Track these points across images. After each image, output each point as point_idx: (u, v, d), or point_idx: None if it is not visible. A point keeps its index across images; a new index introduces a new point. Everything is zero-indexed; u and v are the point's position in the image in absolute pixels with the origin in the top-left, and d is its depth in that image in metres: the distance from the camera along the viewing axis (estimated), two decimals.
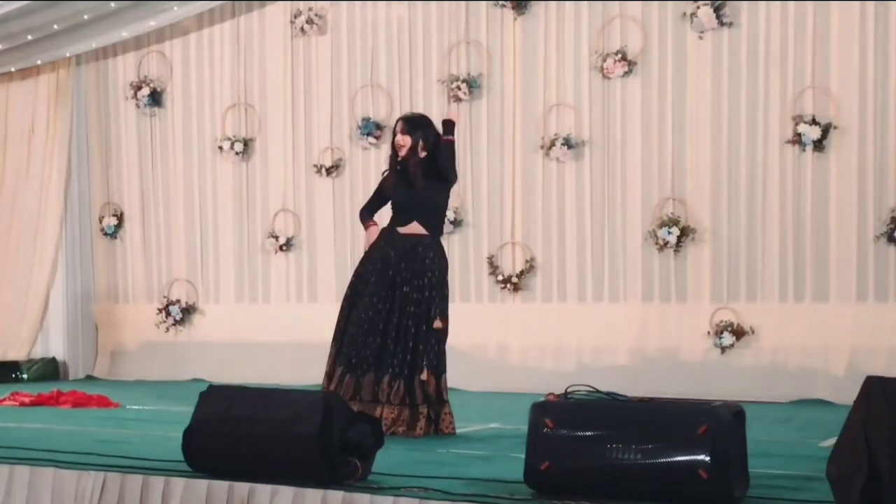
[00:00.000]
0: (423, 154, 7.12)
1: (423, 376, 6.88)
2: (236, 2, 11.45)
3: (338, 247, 11.15)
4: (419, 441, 6.66)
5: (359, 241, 10.91)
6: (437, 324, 6.97)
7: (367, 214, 7.40)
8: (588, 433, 4.53)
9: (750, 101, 9.59)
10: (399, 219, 7.16)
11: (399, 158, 7.16)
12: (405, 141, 7.13)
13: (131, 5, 11.29)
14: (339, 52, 11.17)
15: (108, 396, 9.26)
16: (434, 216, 7.20)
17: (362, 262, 7.24)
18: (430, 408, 6.90)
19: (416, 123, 7.21)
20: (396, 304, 6.97)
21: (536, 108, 10.34)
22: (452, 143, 7.14)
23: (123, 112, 12.14)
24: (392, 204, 7.25)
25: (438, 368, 6.96)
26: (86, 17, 11.42)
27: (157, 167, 12.00)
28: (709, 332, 9.59)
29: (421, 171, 7.07)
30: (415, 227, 7.11)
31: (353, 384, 6.92)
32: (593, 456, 4.47)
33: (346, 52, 11.14)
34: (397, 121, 7.30)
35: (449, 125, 7.19)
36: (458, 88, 10.49)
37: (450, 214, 10.48)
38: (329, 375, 7.09)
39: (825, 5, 9.35)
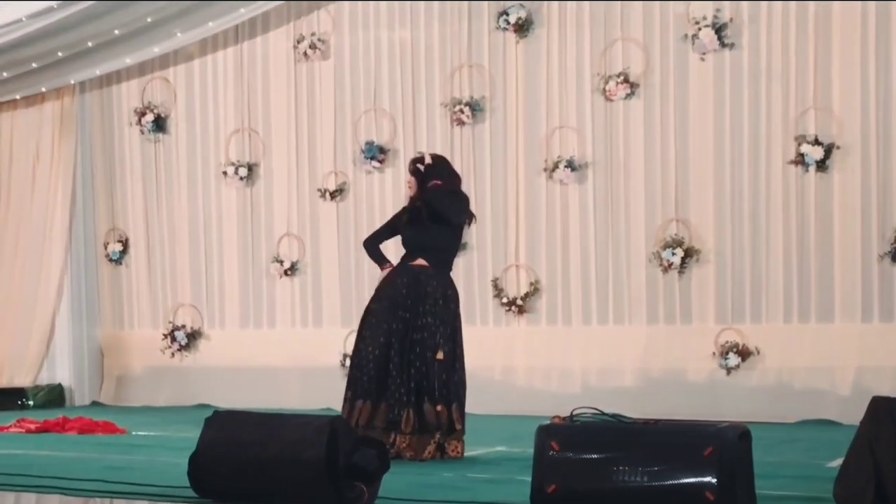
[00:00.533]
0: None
1: (430, 405, 6.89)
2: (239, 27, 11.47)
3: (342, 271, 11.16)
4: (425, 465, 6.65)
5: (363, 265, 10.94)
6: (439, 355, 6.97)
7: (374, 243, 7.48)
8: (594, 456, 4.53)
9: (752, 122, 9.60)
10: (407, 256, 7.24)
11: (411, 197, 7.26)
12: (412, 182, 7.23)
13: (135, 32, 11.32)
14: (342, 77, 11.20)
15: (114, 423, 9.26)
16: (439, 256, 7.22)
17: (374, 296, 7.26)
18: (442, 436, 6.91)
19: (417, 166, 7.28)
20: (401, 332, 6.98)
21: (539, 130, 10.36)
22: (437, 187, 7.15)
23: (128, 138, 12.16)
24: (402, 240, 7.32)
25: (447, 398, 6.95)
26: (90, 44, 11.46)
27: (161, 193, 12.02)
28: (714, 353, 9.59)
29: (426, 213, 7.11)
30: (421, 262, 7.15)
31: (368, 411, 6.93)
32: (599, 478, 4.47)
33: (350, 77, 11.16)
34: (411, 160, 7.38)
35: (430, 169, 7.19)
36: (461, 112, 10.51)
37: None
38: (346, 401, 7.08)
39: (827, 26, 9.37)
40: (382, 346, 6.97)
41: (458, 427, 6.98)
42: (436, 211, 7.10)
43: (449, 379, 6.98)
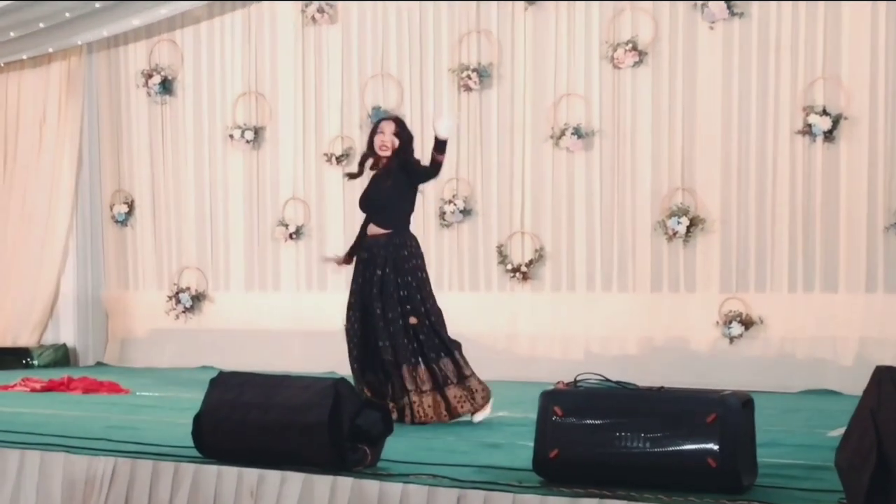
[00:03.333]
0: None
1: (406, 371, 6.93)
2: None
3: (347, 235, 11.13)
4: (428, 428, 6.68)
5: None
6: (412, 319, 7.01)
7: None
8: (597, 421, 4.54)
9: (760, 92, 9.57)
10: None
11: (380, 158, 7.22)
12: (392, 142, 7.17)
13: None
14: (349, 41, 11.18)
15: (118, 383, 9.30)
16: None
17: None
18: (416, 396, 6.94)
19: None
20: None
21: (546, 97, 10.33)
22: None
23: (134, 100, 12.16)
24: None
25: (424, 359, 6.99)
26: (97, 5, 11.44)
27: (167, 155, 12.02)
28: (717, 322, 9.60)
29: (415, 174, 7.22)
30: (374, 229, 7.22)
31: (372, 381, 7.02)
32: (602, 444, 4.48)
33: (357, 41, 11.14)
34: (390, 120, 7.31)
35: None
36: (469, 78, 10.49)
37: (459, 204, 10.51)
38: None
39: None
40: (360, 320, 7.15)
41: (424, 388, 6.99)
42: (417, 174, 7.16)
43: (423, 341, 7.04)
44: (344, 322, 7.29)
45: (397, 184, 7.19)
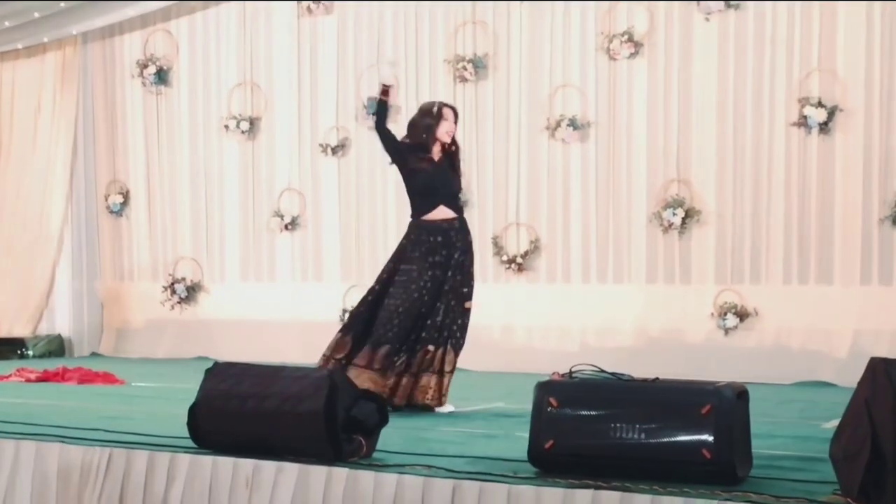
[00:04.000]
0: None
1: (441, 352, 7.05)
2: None
3: (343, 226, 11.17)
4: (423, 419, 6.68)
5: (363, 221, 10.96)
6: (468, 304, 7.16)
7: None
8: (592, 412, 4.54)
9: (756, 83, 9.58)
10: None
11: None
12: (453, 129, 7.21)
13: None
14: (345, 32, 11.17)
15: (113, 373, 9.30)
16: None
17: None
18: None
19: None
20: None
21: (542, 89, 10.33)
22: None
23: (130, 90, 12.15)
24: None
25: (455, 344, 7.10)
26: None
27: (163, 145, 12.01)
28: (713, 314, 9.61)
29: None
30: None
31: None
32: (597, 435, 4.49)
33: (353, 32, 11.13)
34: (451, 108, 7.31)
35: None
36: (464, 69, 10.48)
37: None
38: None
39: None
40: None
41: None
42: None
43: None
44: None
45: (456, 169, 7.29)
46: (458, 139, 7.31)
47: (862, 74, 9.23)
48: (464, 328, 7.15)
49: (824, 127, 9.27)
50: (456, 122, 7.22)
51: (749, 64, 9.59)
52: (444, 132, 7.17)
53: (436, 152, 7.22)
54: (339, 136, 11.14)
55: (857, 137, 9.24)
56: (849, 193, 9.25)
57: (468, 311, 7.17)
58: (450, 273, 7.12)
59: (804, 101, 9.33)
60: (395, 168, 10.84)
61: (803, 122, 9.33)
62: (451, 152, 7.25)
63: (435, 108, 7.23)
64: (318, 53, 11.29)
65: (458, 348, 7.11)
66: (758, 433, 4.79)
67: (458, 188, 7.37)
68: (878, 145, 9.19)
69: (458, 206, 7.32)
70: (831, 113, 9.25)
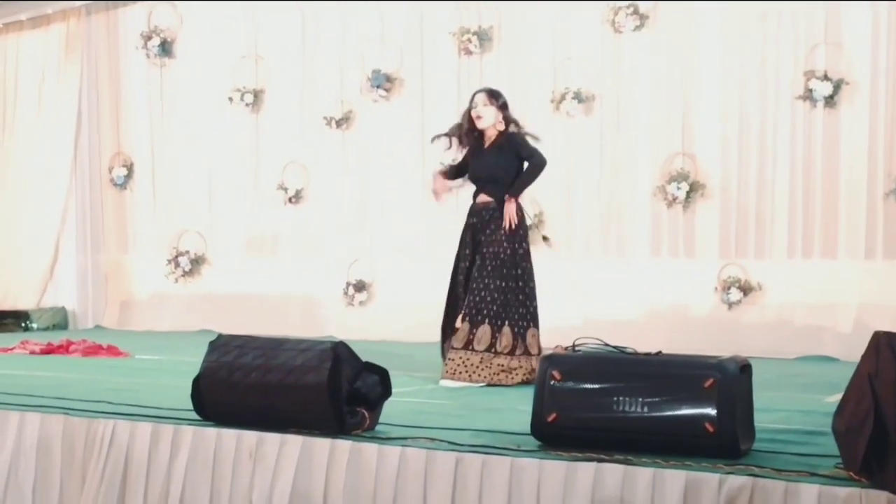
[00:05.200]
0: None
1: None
2: None
3: (347, 199, 11.16)
4: (427, 392, 6.69)
5: (368, 194, 10.95)
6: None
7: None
8: (595, 386, 4.54)
9: (761, 57, 9.55)
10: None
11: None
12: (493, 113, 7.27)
13: None
14: (349, 4, 11.13)
15: (117, 346, 9.31)
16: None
17: None
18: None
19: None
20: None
21: (546, 62, 10.30)
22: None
23: (134, 62, 12.13)
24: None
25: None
26: None
27: (167, 118, 12.00)
28: (716, 288, 9.61)
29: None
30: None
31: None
32: (600, 408, 4.49)
33: (357, 4, 11.09)
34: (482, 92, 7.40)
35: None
36: (469, 41, 10.46)
37: None
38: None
39: None
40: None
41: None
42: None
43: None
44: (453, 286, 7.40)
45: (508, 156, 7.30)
46: (472, 114, 7.27)
47: (868, 48, 9.20)
48: (508, 306, 7.14)
49: (830, 100, 9.25)
50: (488, 102, 7.24)
51: (754, 37, 9.56)
52: (471, 118, 7.28)
53: (488, 136, 7.32)
54: (343, 109, 11.12)
55: (862, 111, 9.22)
56: (854, 167, 9.24)
57: (513, 290, 7.17)
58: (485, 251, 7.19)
59: (810, 75, 9.30)
60: (400, 142, 10.92)
61: (808, 95, 9.31)
62: (500, 136, 7.29)
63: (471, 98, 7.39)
64: (323, 26, 11.26)
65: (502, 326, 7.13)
66: (761, 407, 4.78)
67: (496, 171, 7.29)
68: (883, 119, 9.17)
69: (492, 191, 7.29)
70: (837, 86, 9.22)
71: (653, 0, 9.86)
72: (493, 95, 7.30)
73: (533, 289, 7.22)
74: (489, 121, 7.25)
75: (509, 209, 7.17)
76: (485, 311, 7.07)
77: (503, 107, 7.29)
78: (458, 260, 7.37)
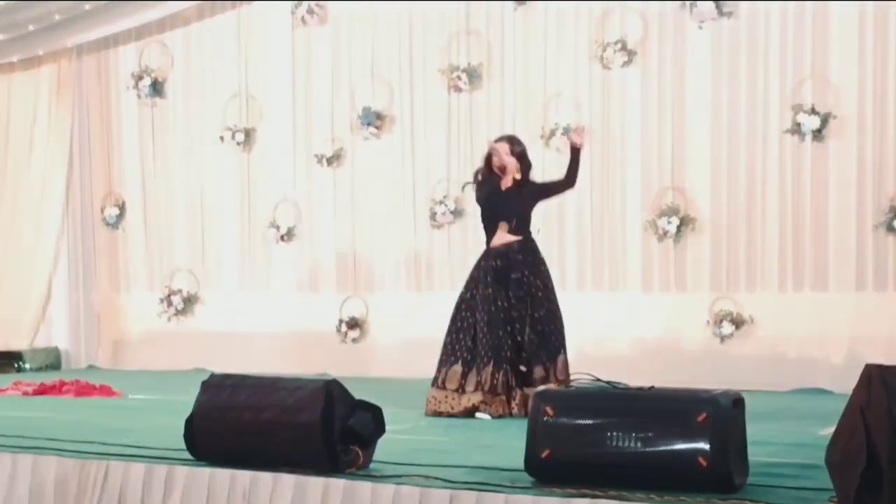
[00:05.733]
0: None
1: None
2: None
3: (338, 236, 11.17)
4: (419, 429, 6.69)
5: (359, 232, 10.97)
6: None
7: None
8: (588, 421, 4.55)
9: (749, 91, 9.59)
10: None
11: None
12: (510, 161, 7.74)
13: None
14: (339, 43, 11.18)
15: (110, 386, 9.30)
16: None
17: None
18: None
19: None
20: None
21: (536, 97, 10.34)
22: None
23: (125, 102, 12.15)
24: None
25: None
26: (87, 7, 11.45)
27: (158, 157, 12.02)
28: (708, 322, 9.61)
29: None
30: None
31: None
32: (593, 444, 4.49)
33: (347, 42, 11.14)
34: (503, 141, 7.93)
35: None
36: (459, 78, 10.50)
37: (450, 204, 10.53)
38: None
39: None
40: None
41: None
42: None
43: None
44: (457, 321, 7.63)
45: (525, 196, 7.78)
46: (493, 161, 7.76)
47: (855, 81, 9.25)
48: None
49: (818, 134, 9.29)
50: (509, 150, 7.75)
51: (742, 71, 9.61)
52: (495, 165, 7.76)
53: (505, 182, 7.76)
54: (334, 147, 11.15)
55: (850, 144, 9.26)
56: (843, 200, 9.27)
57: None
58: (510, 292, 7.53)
59: (797, 109, 9.35)
60: (390, 178, 10.98)
61: (797, 129, 9.36)
62: (516, 179, 7.73)
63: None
64: (313, 64, 11.30)
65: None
66: (754, 440, 4.79)
67: (518, 211, 7.72)
68: (871, 152, 9.21)
69: (514, 229, 7.69)
70: (824, 120, 9.27)
71: (641, 37, 9.91)
72: (514, 143, 7.84)
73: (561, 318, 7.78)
74: (510, 168, 7.71)
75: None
76: (541, 351, 7.56)
77: (521, 155, 7.80)
78: (487, 302, 7.54)
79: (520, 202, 7.70)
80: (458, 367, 7.40)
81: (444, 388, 7.39)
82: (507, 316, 7.47)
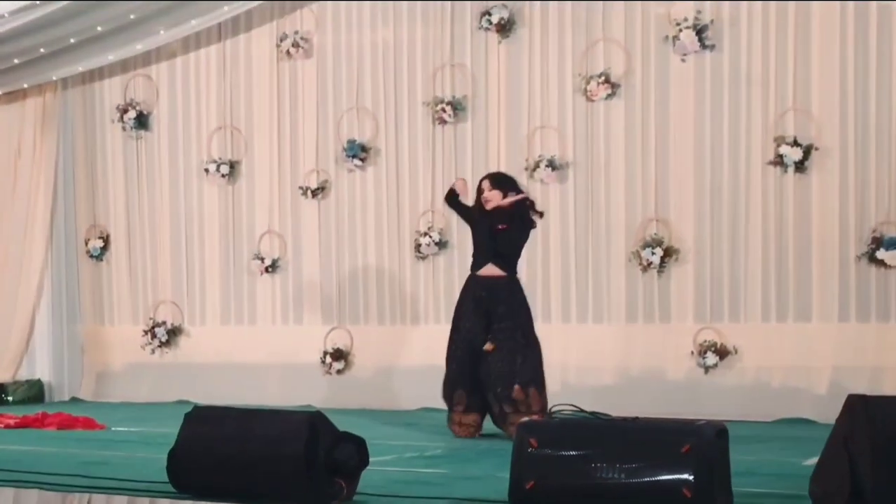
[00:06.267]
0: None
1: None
2: (222, 25, 11.48)
3: (323, 268, 11.17)
4: (404, 461, 6.68)
5: (344, 264, 10.98)
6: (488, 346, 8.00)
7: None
8: (572, 452, 4.55)
9: (732, 123, 9.65)
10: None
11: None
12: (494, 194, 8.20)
13: (118, 29, 11.33)
14: (324, 75, 11.21)
15: (93, 418, 9.25)
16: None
17: None
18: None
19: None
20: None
21: (521, 130, 10.38)
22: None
23: (110, 135, 12.14)
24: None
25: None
26: (72, 40, 11.46)
27: (143, 190, 12.01)
28: (692, 352, 9.63)
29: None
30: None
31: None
32: (577, 475, 4.50)
33: (332, 75, 11.18)
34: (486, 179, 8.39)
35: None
36: (443, 111, 10.54)
37: (435, 236, 10.55)
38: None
39: (806, 28, 9.43)
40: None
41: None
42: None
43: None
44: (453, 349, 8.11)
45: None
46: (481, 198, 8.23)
47: (836, 113, 9.32)
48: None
49: (800, 165, 9.35)
50: (494, 189, 8.21)
51: (725, 104, 9.67)
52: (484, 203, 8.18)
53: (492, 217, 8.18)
54: (318, 179, 11.16)
55: (832, 176, 9.32)
56: (826, 231, 9.32)
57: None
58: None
59: (780, 140, 9.41)
60: (375, 210, 11.04)
61: (779, 160, 9.41)
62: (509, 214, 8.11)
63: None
64: (298, 96, 11.33)
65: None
66: (738, 471, 4.80)
67: (502, 248, 8.19)
68: (853, 183, 9.27)
69: (502, 265, 8.16)
70: (807, 151, 9.33)
71: (625, 69, 9.97)
72: (498, 182, 8.29)
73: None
74: (495, 203, 8.11)
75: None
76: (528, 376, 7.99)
77: (510, 189, 8.19)
78: (469, 333, 8.06)
79: (507, 236, 8.15)
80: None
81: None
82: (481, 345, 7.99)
